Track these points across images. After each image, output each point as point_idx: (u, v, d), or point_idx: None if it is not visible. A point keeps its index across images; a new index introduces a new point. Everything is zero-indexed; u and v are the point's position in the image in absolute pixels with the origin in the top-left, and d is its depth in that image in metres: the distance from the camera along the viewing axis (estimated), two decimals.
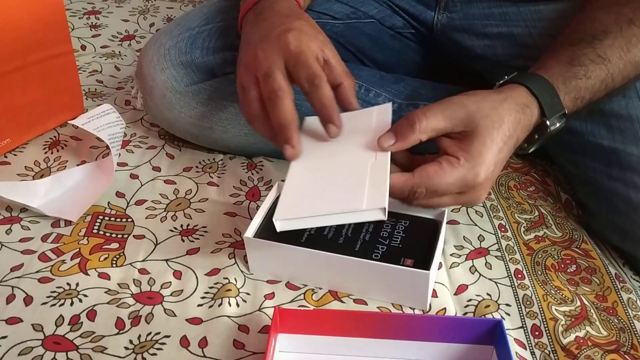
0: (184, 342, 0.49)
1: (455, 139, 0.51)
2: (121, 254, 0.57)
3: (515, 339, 0.50)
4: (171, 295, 0.53)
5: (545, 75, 0.54)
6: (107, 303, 0.52)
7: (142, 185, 0.66)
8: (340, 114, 0.54)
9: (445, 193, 0.51)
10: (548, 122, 0.53)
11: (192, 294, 0.53)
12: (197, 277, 0.55)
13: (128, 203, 0.63)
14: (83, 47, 0.95)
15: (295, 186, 0.52)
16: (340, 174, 0.52)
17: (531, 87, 0.53)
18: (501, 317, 0.52)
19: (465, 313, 0.53)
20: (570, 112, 0.55)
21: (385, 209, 0.47)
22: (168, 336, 0.49)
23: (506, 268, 0.57)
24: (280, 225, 0.50)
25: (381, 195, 0.48)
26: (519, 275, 0.57)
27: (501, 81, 0.56)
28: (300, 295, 0.54)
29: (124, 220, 0.61)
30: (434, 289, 0.54)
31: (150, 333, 0.49)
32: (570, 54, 0.56)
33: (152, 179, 0.67)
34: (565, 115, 0.55)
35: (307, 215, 0.49)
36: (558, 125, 0.54)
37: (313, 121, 0.57)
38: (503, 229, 0.62)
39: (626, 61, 0.56)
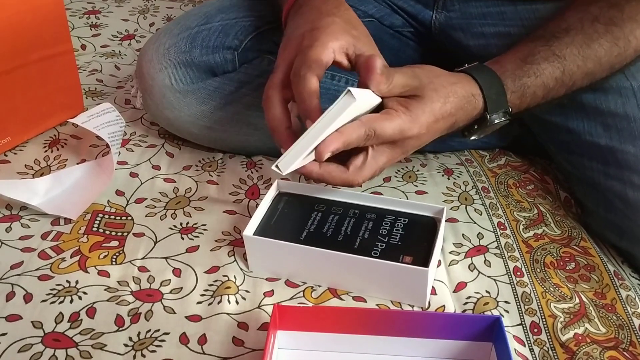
0: (184, 339, 0.49)
1: (401, 98, 0.52)
2: (121, 252, 0.57)
3: (514, 335, 0.51)
4: (171, 292, 0.53)
5: (498, 71, 0.56)
6: (107, 300, 0.52)
7: (141, 184, 0.66)
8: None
9: (384, 141, 0.51)
10: (488, 117, 0.55)
11: (191, 292, 0.53)
12: (196, 275, 0.55)
13: (128, 201, 0.63)
14: (83, 47, 0.95)
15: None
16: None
17: (480, 82, 0.55)
18: (500, 314, 0.52)
19: (464, 310, 0.53)
20: (516, 109, 0.57)
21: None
22: (167, 333, 0.49)
23: (505, 265, 0.57)
24: (282, 167, 0.50)
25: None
26: (518, 273, 0.57)
27: (459, 68, 0.57)
28: (299, 292, 0.54)
29: (123, 218, 0.61)
30: (433, 287, 0.54)
31: (149, 330, 0.49)
32: (527, 51, 0.57)
33: (152, 178, 0.67)
34: (510, 113, 0.56)
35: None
36: (500, 120, 0.56)
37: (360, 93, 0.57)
38: (502, 227, 0.62)
39: (585, 57, 0.57)
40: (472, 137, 0.58)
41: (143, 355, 0.47)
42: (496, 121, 0.56)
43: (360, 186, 0.54)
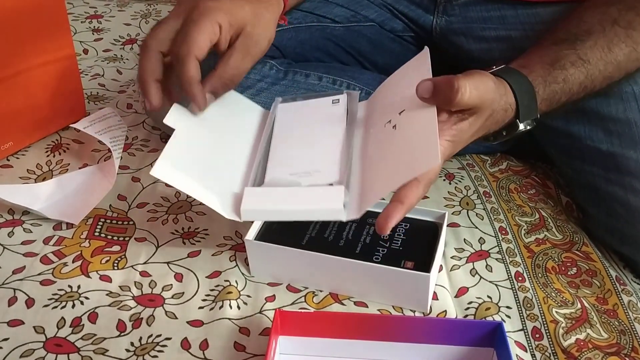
0: (185, 344, 0.49)
1: (454, 115, 0.50)
2: (122, 257, 0.57)
3: (515, 341, 0.51)
4: (172, 297, 0.53)
5: (529, 77, 0.55)
6: (109, 305, 0.52)
7: (143, 188, 0.66)
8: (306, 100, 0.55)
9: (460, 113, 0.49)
10: (519, 125, 0.54)
11: (193, 297, 0.53)
12: (198, 280, 0.55)
13: (130, 206, 0.64)
14: (85, 51, 0.96)
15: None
16: (311, 163, 0.53)
17: (515, 90, 0.53)
18: (502, 319, 0.52)
19: (466, 315, 0.53)
20: (543, 114, 0.56)
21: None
22: (169, 338, 0.49)
23: (507, 271, 0.57)
24: (244, 215, 0.50)
25: (365, 204, 0.48)
26: (520, 278, 0.57)
27: (491, 70, 0.55)
28: (301, 297, 0.54)
29: (125, 223, 0.61)
30: (434, 292, 0.54)
31: (151, 335, 0.49)
32: (553, 55, 0.56)
33: (154, 182, 0.67)
34: (537, 120, 0.55)
35: (274, 210, 0.50)
36: (528, 127, 0.55)
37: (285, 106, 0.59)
38: (504, 232, 0.62)
39: (607, 62, 0.56)
40: (499, 141, 0.57)
41: None
42: (523, 128, 0.55)
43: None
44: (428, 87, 0.48)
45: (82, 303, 0.52)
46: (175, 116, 0.54)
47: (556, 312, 0.53)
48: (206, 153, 0.54)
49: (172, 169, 0.49)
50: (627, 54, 0.57)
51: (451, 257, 0.58)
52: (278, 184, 0.51)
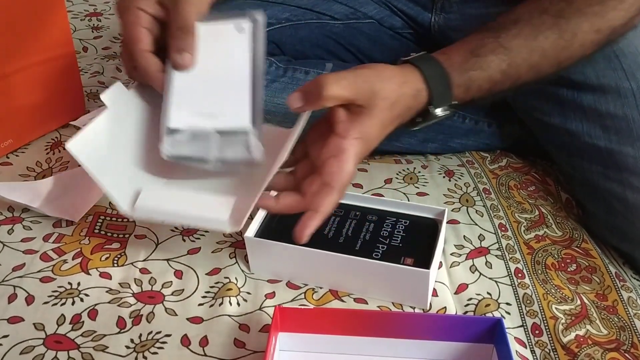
0: (185, 341, 0.49)
1: (351, 112, 0.50)
2: (122, 254, 0.57)
3: (515, 337, 0.51)
4: (172, 294, 0.53)
5: (445, 63, 0.54)
6: (109, 302, 0.52)
7: None
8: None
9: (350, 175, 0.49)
10: (432, 112, 0.54)
11: (193, 294, 0.53)
12: (198, 277, 0.55)
13: None
14: (85, 49, 0.96)
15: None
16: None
17: (426, 76, 0.53)
18: (501, 316, 0.52)
19: (466, 312, 0.53)
20: (461, 102, 0.55)
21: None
22: (169, 335, 0.49)
23: (506, 267, 0.57)
24: (137, 213, 0.50)
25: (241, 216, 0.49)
26: (519, 274, 0.57)
27: (405, 57, 0.55)
28: (300, 294, 0.54)
29: (125, 220, 0.61)
30: (434, 288, 0.54)
31: (151, 332, 0.49)
32: (474, 43, 0.56)
33: None
34: (454, 106, 0.55)
35: (166, 211, 0.50)
36: (443, 113, 0.54)
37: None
38: (503, 229, 0.62)
39: (531, 49, 0.55)
40: (415, 128, 0.56)
41: (145, 357, 0.47)
42: (440, 114, 0.54)
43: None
44: (297, 95, 0.49)
45: (82, 300, 0.52)
46: (113, 95, 0.53)
47: (556, 308, 0.53)
48: (127, 141, 0.53)
49: (87, 148, 0.49)
50: (553, 41, 0.55)
51: (451, 254, 0.58)
52: (189, 130, 0.50)
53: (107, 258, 0.56)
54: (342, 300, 0.53)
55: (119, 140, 0.52)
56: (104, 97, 0.52)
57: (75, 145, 0.48)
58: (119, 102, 0.53)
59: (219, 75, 0.53)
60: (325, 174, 0.48)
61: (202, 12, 0.53)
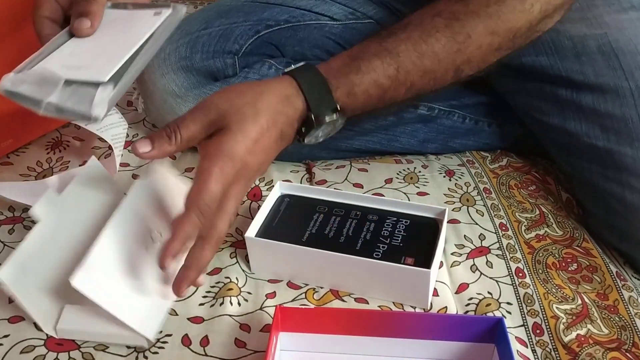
0: (186, 340, 0.49)
1: (213, 135, 0.48)
2: None
3: (516, 337, 0.51)
4: None
5: (322, 69, 0.52)
6: None
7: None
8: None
9: (223, 194, 0.47)
10: (312, 116, 0.51)
11: (193, 293, 0.53)
12: None
13: None
14: None
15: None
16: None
17: (299, 81, 0.51)
18: (502, 315, 0.52)
19: (467, 312, 0.53)
20: (350, 108, 0.52)
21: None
22: (170, 335, 0.49)
23: (507, 267, 0.57)
24: (59, 335, 0.48)
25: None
26: (520, 274, 0.57)
27: (286, 70, 0.53)
28: (301, 294, 0.54)
29: None
30: (435, 288, 0.54)
31: None
32: (358, 49, 0.53)
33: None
34: (340, 111, 0.52)
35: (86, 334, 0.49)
36: (331, 118, 0.51)
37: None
38: (504, 228, 0.62)
39: (421, 53, 0.52)
40: (309, 140, 0.53)
41: (145, 357, 0.47)
42: (327, 119, 0.51)
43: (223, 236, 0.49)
44: (144, 141, 0.47)
45: None
46: (44, 207, 0.51)
47: (557, 307, 0.53)
48: (53, 257, 0.51)
49: (13, 269, 0.47)
50: (444, 44, 0.52)
51: (451, 254, 0.58)
52: (39, 72, 0.47)
53: None
54: (343, 300, 0.53)
55: (46, 256, 0.51)
56: (33, 212, 0.50)
57: (4, 270, 0.47)
58: (50, 215, 0.52)
59: (108, 42, 0.51)
60: (186, 199, 0.46)
61: None
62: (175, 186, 0.57)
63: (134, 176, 0.67)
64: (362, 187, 0.67)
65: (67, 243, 0.53)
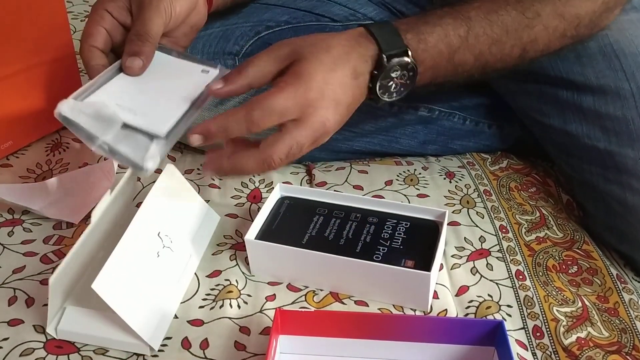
0: (185, 343, 0.49)
1: (287, 70, 0.49)
2: None
3: (516, 339, 0.50)
4: None
5: (392, 22, 0.53)
6: None
7: (143, 187, 0.66)
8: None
9: (284, 115, 0.47)
10: (384, 57, 0.50)
11: (193, 296, 0.53)
12: (198, 279, 0.55)
13: None
14: None
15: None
16: None
17: (369, 27, 0.51)
18: (502, 318, 0.52)
19: (467, 314, 0.53)
20: (419, 56, 0.52)
21: None
22: (169, 338, 0.49)
23: (507, 269, 0.57)
24: (59, 335, 0.48)
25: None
26: (520, 276, 0.57)
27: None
28: (301, 296, 0.54)
29: None
30: (435, 290, 0.54)
31: None
32: (430, 12, 0.54)
33: (154, 181, 0.67)
34: (410, 54, 0.51)
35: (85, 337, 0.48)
36: (401, 60, 0.51)
37: None
38: (504, 230, 0.62)
39: (491, 22, 0.53)
40: (382, 92, 0.52)
41: None
42: (395, 60, 0.50)
43: (275, 166, 0.49)
44: (218, 81, 0.49)
45: None
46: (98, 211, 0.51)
47: (557, 310, 0.53)
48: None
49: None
50: (515, 17, 0.54)
51: (452, 256, 0.58)
52: (98, 107, 0.48)
53: None
54: (343, 303, 0.53)
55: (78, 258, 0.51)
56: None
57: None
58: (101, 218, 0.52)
59: (162, 91, 0.52)
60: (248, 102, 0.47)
61: (167, 25, 0.53)
62: (188, 191, 0.57)
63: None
64: (362, 189, 0.67)
65: (95, 247, 0.53)
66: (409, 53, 0.51)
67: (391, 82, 0.52)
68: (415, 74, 0.52)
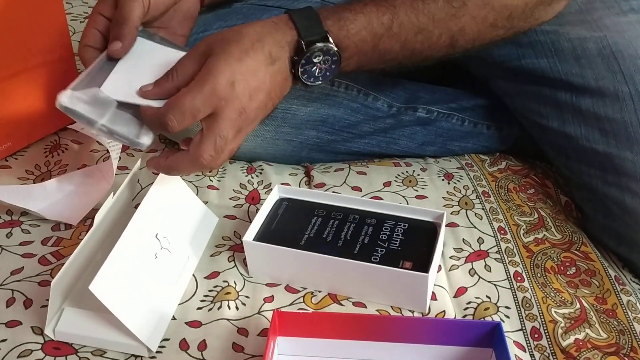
0: (184, 345, 0.49)
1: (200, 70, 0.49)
2: None
3: (514, 341, 0.50)
4: None
5: (316, 9, 0.52)
6: None
7: (142, 189, 0.66)
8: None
9: (197, 113, 0.48)
10: (303, 42, 0.50)
11: (191, 297, 0.53)
12: (196, 280, 0.55)
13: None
14: None
15: None
16: None
17: (289, 12, 0.52)
18: (500, 319, 0.52)
19: (465, 316, 0.53)
20: (342, 42, 0.52)
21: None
22: (167, 339, 0.49)
23: (505, 270, 0.57)
24: (57, 337, 0.48)
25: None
26: (519, 278, 0.57)
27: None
28: (299, 298, 0.54)
29: None
30: (433, 292, 0.54)
31: None
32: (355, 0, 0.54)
33: (152, 183, 0.67)
34: (333, 43, 0.51)
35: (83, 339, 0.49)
36: (323, 45, 0.50)
37: None
38: (502, 232, 0.62)
39: (417, 10, 0.53)
40: (306, 77, 0.52)
41: None
42: (318, 46, 0.50)
43: (210, 167, 0.50)
44: (148, 84, 0.51)
45: None
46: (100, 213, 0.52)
47: (555, 312, 0.53)
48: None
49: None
50: (441, 6, 0.53)
51: (450, 257, 0.58)
52: (93, 93, 0.51)
53: None
54: (341, 304, 0.53)
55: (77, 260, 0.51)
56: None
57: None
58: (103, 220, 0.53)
59: (149, 74, 0.54)
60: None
61: (147, 9, 0.55)
62: (186, 193, 0.58)
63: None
64: (361, 190, 0.67)
65: (95, 248, 0.54)
66: (330, 39, 0.51)
67: (314, 67, 0.52)
68: (338, 59, 0.52)
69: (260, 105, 0.50)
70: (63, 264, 0.55)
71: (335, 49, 0.52)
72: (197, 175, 0.69)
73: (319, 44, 0.51)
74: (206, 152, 0.49)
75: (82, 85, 0.51)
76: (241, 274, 0.56)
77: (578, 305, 0.54)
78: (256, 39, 0.49)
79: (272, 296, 0.54)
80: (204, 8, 0.68)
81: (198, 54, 0.50)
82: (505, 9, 0.55)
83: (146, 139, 0.50)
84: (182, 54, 0.53)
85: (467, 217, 0.63)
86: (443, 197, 0.66)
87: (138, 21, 0.55)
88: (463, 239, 0.60)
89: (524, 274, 0.57)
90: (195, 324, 0.51)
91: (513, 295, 0.55)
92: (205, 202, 0.65)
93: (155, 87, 0.50)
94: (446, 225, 0.59)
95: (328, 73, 0.53)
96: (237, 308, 0.52)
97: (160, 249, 0.52)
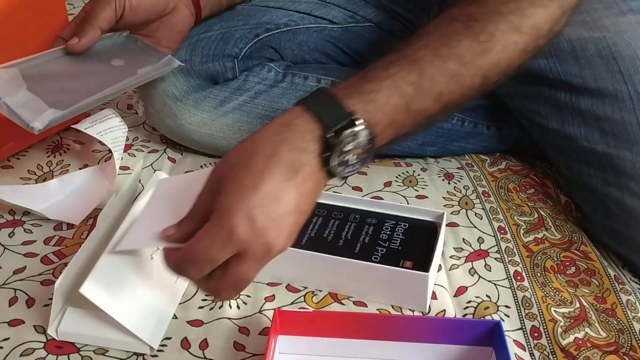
0: (185, 343, 0.49)
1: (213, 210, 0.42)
2: None
3: (514, 340, 0.51)
4: None
5: (330, 89, 0.45)
6: None
7: (143, 189, 0.66)
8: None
9: (215, 261, 0.41)
10: (331, 134, 0.42)
11: (193, 296, 0.53)
12: None
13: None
14: None
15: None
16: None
17: (308, 102, 0.44)
18: (500, 318, 0.52)
19: (465, 315, 0.53)
20: (371, 117, 0.44)
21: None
22: (169, 338, 0.49)
23: (505, 270, 0.58)
24: (60, 337, 0.49)
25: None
26: (518, 277, 0.57)
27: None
28: (300, 297, 0.54)
29: None
30: (433, 291, 0.54)
31: None
32: (372, 63, 0.47)
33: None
34: (362, 122, 0.43)
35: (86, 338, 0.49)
36: (351, 132, 0.43)
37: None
38: (502, 231, 0.62)
39: (445, 57, 0.47)
40: (340, 169, 0.44)
41: None
42: (346, 132, 0.42)
43: (224, 297, 0.48)
44: (170, 228, 0.43)
45: None
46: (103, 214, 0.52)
47: (555, 311, 0.53)
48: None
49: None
50: (468, 45, 0.48)
51: (450, 257, 0.59)
52: (12, 73, 0.54)
53: None
54: (342, 303, 0.53)
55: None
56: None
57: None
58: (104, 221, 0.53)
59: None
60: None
61: (119, 12, 0.60)
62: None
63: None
64: (361, 190, 0.67)
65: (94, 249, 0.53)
66: (354, 115, 0.43)
67: (347, 157, 0.44)
68: (372, 138, 0.44)
69: (291, 231, 0.43)
70: (65, 264, 0.56)
71: (367, 130, 0.44)
72: None
73: (347, 131, 0.43)
74: (225, 293, 0.43)
75: (14, 64, 0.55)
76: None
77: (578, 305, 0.54)
78: (270, 154, 0.41)
79: (273, 295, 0.54)
80: (199, 22, 0.70)
81: (210, 188, 0.43)
82: (534, 29, 0.50)
83: (37, 124, 0.53)
84: (152, 57, 0.57)
85: (467, 217, 0.64)
86: (443, 197, 0.67)
87: (104, 22, 0.57)
88: (463, 239, 0.61)
89: (523, 274, 0.57)
90: (196, 323, 0.51)
91: (513, 294, 0.55)
92: None
93: (177, 232, 0.43)
94: (446, 225, 0.60)
95: (366, 154, 0.45)
96: (238, 307, 0.52)
97: (156, 249, 0.52)
